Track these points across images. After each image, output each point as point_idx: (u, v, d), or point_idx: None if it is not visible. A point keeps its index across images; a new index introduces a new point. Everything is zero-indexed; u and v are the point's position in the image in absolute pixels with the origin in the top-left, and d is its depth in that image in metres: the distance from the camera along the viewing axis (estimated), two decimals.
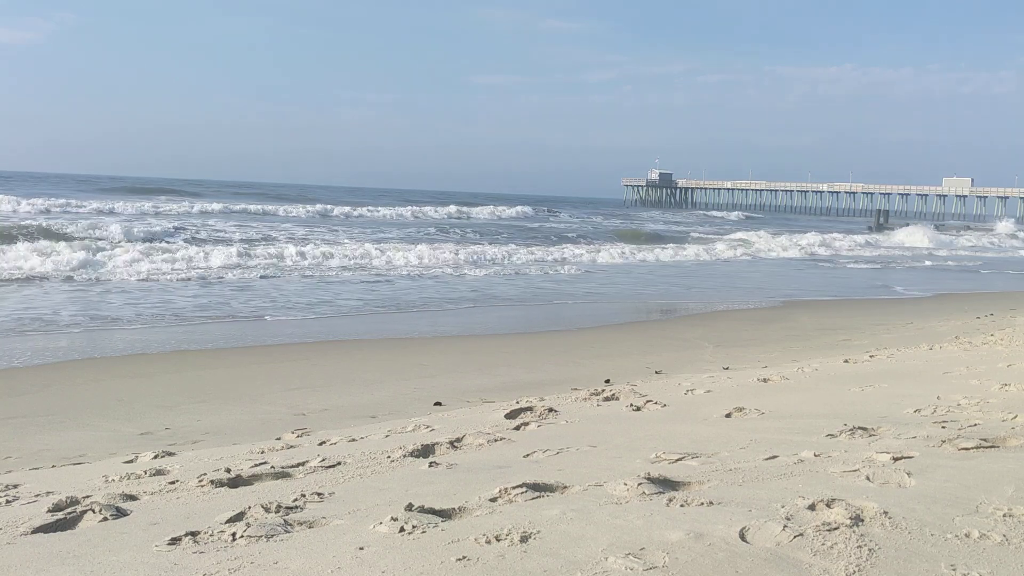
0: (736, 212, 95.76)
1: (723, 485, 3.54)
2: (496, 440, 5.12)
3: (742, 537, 2.84)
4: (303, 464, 4.56)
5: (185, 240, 28.74)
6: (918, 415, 5.10)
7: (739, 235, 47.10)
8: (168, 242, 27.57)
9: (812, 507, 3.10)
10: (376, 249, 27.05)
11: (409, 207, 57.83)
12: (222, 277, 19.96)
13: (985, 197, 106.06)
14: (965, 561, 2.63)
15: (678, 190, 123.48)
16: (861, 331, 13.57)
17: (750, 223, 68.18)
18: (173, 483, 4.28)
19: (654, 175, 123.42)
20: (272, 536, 3.12)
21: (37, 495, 4.16)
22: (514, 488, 3.55)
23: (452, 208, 58.19)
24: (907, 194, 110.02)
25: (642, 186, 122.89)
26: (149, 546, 3.11)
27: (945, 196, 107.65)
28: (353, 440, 5.53)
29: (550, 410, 6.22)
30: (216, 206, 48.28)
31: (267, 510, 3.50)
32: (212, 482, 4.20)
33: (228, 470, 4.47)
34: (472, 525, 3.09)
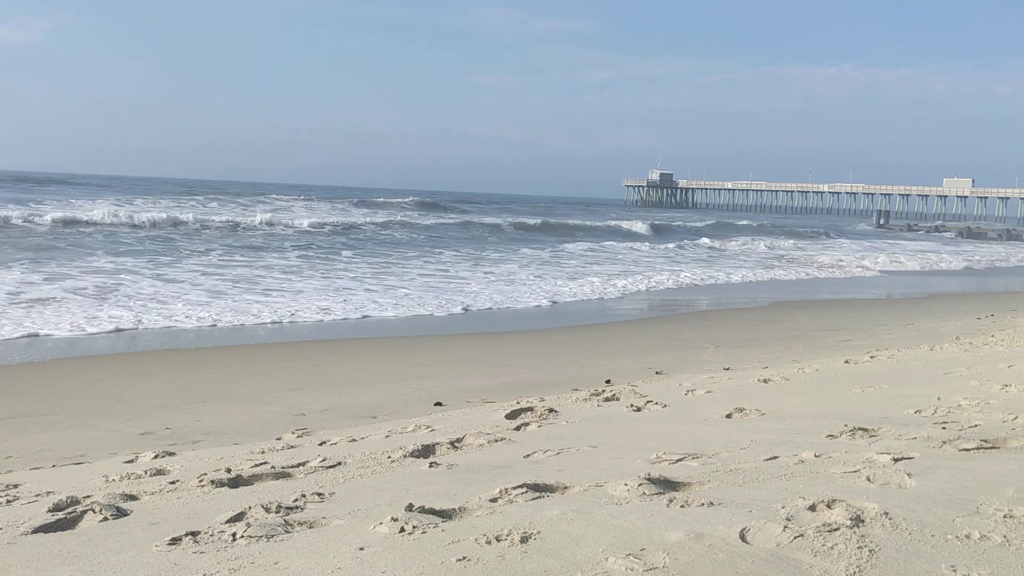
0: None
1: (723, 486, 3.54)
2: (496, 440, 5.12)
3: (742, 538, 2.83)
4: (303, 464, 4.56)
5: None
6: (919, 416, 5.10)
7: None
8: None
9: (812, 508, 3.10)
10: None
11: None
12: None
13: (986, 198, 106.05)
14: (966, 562, 2.63)
15: (679, 190, 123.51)
16: (861, 331, 13.57)
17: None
18: (173, 483, 4.28)
19: (655, 175, 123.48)
20: (272, 536, 3.12)
21: (37, 495, 4.16)
22: (514, 488, 3.55)
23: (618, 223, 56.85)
24: (908, 195, 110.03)
25: (643, 187, 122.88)
26: (149, 546, 3.11)
27: (946, 197, 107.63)
28: (353, 440, 5.53)
29: (550, 410, 6.21)
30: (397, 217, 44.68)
31: (267, 510, 3.50)
32: (212, 482, 4.20)
33: (228, 470, 4.47)
34: (472, 525, 3.09)
